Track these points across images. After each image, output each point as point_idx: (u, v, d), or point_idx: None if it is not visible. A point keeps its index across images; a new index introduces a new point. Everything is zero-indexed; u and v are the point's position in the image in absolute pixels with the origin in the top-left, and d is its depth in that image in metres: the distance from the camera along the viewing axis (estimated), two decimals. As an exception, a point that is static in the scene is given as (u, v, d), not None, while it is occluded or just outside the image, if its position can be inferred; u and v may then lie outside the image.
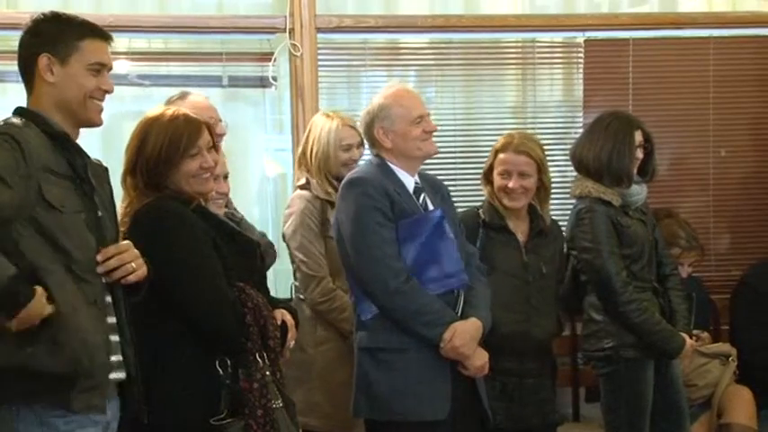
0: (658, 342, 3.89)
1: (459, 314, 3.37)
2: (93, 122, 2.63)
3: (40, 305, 2.34)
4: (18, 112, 2.57)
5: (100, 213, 2.57)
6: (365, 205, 3.32)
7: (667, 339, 3.90)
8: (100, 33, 2.62)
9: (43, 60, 2.54)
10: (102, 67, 2.60)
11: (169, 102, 3.51)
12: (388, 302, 3.28)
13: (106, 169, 2.70)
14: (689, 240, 4.54)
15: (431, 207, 3.44)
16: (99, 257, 2.50)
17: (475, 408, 3.43)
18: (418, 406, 3.28)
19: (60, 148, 2.51)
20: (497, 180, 3.84)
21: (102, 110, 2.63)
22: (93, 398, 2.47)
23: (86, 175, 2.55)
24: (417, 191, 3.45)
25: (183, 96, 3.57)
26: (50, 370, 2.39)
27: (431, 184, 3.55)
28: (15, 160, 2.38)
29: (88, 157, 2.63)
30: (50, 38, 2.56)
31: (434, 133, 4.81)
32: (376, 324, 3.33)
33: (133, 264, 2.54)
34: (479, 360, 3.37)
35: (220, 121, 3.57)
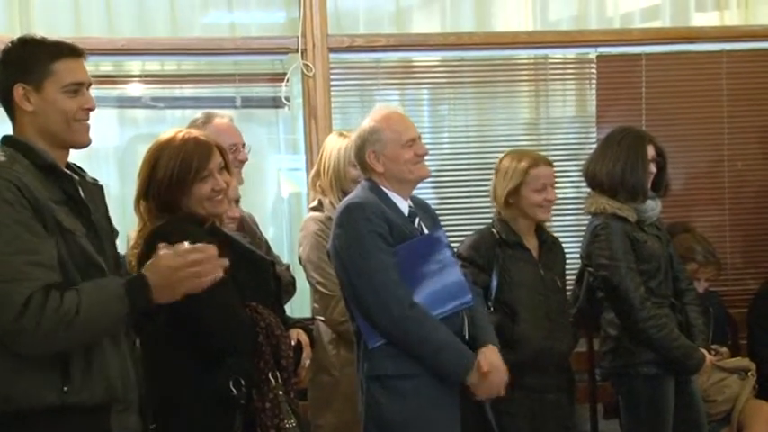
0: (678, 358, 3.86)
1: (466, 336, 3.31)
2: (81, 144, 2.55)
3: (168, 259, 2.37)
4: (4, 141, 2.50)
5: (99, 234, 2.55)
6: (366, 230, 3.23)
7: (687, 355, 3.88)
8: (71, 52, 2.51)
9: (18, 91, 2.46)
10: (79, 86, 2.51)
11: (193, 124, 3.48)
12: (394, 329, 3.21)
13: (101, 187, 2.67)
14: (705, 255, 4.50)
15: (425, 231, 3.37)
16: (201, 256, 2.43)
17: (482, 429, 3.38)
18: (433, 431, 3.24)
19: (51, 176, 2.46)
20: (533, 196, 3.76)
21: (88, 129, 2.54)
22: (127, 417, 2.50)
23: (79, 197, 2.51)
24: (412, 214, 3.38)
25: (207, 120, 3.55)
26: (87, 403, 2.39)
27: (422, 208, 3.49)
28: (22, 207, 2.34)
29: (81, 176, 2.59)
30: (21, 66, 2.47)
31: (448, 150, 4.95)
32: (384, 351, 3.24)
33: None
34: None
35: (243, 145, 3.55)
